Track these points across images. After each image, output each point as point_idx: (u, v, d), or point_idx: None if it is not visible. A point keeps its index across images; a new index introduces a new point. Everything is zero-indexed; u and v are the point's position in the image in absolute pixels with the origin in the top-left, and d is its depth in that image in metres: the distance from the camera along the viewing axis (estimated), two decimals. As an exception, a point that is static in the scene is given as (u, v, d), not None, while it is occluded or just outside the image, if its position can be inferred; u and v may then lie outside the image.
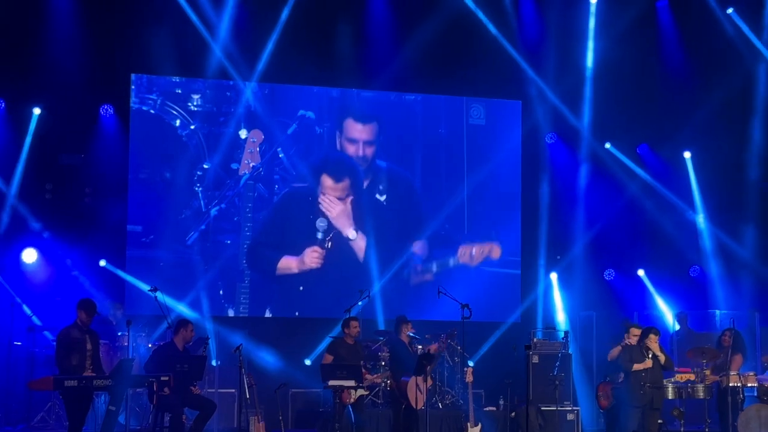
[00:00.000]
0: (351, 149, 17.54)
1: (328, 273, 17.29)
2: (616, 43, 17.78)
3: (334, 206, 17.37)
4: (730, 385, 15.02)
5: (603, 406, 14.53)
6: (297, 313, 17.24)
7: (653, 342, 14.11)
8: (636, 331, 14.23)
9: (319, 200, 17.34)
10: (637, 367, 14.13)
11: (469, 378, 14.52)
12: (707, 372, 15.04)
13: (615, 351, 14.27)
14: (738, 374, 15.09)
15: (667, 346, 16.48)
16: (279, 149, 17.26)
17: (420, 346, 15.11)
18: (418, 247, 17.71)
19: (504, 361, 15.86)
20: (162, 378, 12.68)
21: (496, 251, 17.93)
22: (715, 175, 18.29)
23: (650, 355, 14.11)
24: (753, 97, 18.09)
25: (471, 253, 17.83)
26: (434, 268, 17.75)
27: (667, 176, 18.65)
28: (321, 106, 17.61)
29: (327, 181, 17.42)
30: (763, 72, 18.07)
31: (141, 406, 14.49)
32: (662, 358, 14.15)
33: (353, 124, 17.56)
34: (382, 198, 17.70)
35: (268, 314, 17.13)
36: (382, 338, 15.99)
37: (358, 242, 17.44)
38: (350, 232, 17.43)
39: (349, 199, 17.46)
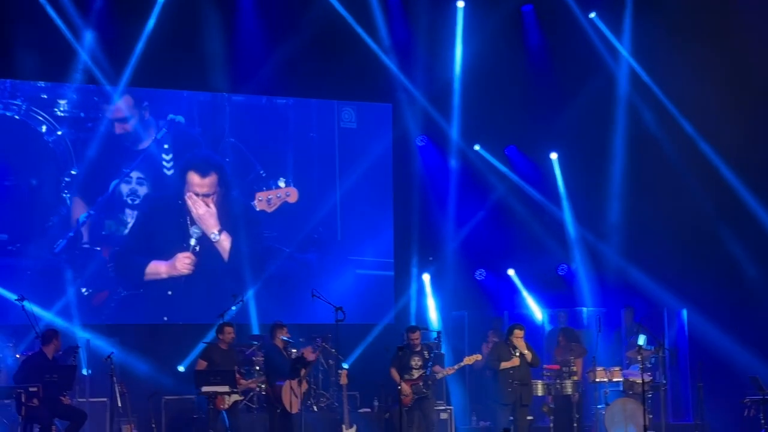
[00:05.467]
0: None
1: (198, 277, 17.18)
2: (483, 47, 18.07)
3: (200, 205, 17.23)
4: (597, 380, 15.46)
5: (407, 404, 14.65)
6: (165, 318, 17.07)
7: (518, 338, 14.47)
8: (519, 333, 14.61)
9: (186, 197, 17.16)
10: (504, 365, 14.48)
11: (344, 380, 14.66)
12: (574, 368, 15.42)
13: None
14: (604, 369, 15.54)
15: (540, 344, 16.85)
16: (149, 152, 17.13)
17: (294, 350, 15.14)
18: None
19: (378, 363, 15.95)
20: (30, 389, 12.49)
21: (293, 195, 17.91)
22: (580, 175, 18.72)
23: (517, 353, 14.46)
24: (615, 99, 18.57)
25: (268, 199, 17.81)
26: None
27: (535, 177, 19.03)
28: (191, 111, 17.48)
29: (193, 177, 17.24)
30: (624, 74, 18.58)
31: (9, 418, 14.15)
32: (529, 356, 14.52)
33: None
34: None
35: (139, 321, 16.92)
36: (256, 343, 15.98)
37: (223, 243, 17.33)
38: (214, 233, 17.29)
39: (214, 198, 17.32)
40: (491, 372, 14.85)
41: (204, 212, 17.26)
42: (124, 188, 16.99)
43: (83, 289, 16.59)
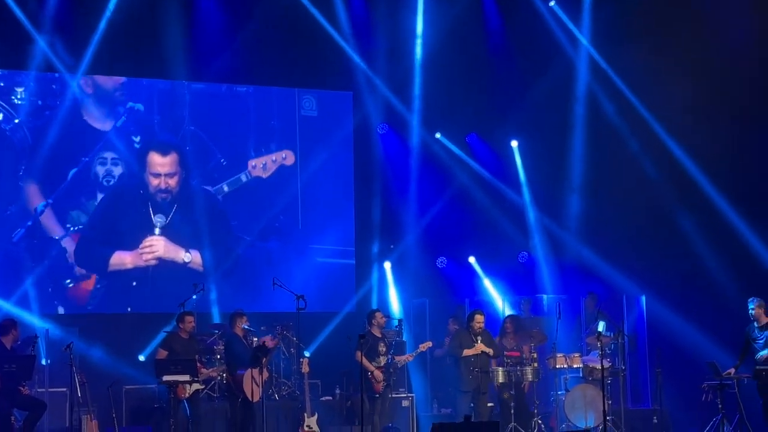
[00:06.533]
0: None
1: (162, 269, 17.11)
2: (444, 34, 18.08)
3: (156, 246, 17.09)
4: (557, 366, 15.55)
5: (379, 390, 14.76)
6: (129, 309, 16.99)
7: (479, 323, 14.57)
8: (480, 318, 14.72)
9: (140, 252, 17.01)
10: (467, 352, 14.54)
11: (305, 369, 14.66)
12: (534, 355, 15.49)
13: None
14: (564, 356, 15.63)
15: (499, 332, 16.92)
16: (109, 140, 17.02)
17: (255, 339, 15.12)
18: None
19: (340, 351, 15.98)
20: (-12, 380, 12.39)
21: (290, 158, 17.94)
22: (541, 163, 18.80)
23: (479, 340, 14.53)
24: (575, 87, 18.66)
25: (263, 165, 17.83)
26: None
27: (496, 164, 19.09)
28: (150, 99, 17.38)
29: (154, 157, 17.17)
30: (584, 62, 18.67)
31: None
32: (491, 351, 14.64)
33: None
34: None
35: (99, 310, 16.82)
36: (217, 332, 15.94)
37: (195, 260, 17.28)
38: (184, 257, 17.24)
39: (176, 179, 17.22)
40: (452, 359, 14.92)
41: (163, 247, 17.09)
42: (84, 176, 16.89)
43: (67, 281, 16.59)
